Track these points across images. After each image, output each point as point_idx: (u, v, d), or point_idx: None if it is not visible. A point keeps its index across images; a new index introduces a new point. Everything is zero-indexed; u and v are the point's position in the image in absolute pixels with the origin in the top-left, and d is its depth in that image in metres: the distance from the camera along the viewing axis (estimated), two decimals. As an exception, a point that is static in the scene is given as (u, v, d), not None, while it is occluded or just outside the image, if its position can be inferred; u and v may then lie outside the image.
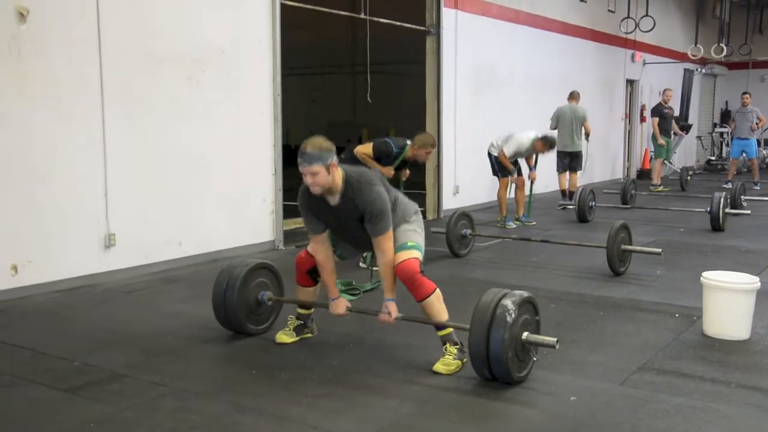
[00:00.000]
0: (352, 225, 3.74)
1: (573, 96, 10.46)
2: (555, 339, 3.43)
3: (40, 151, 5.19)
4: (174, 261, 6.11)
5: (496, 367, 3.37)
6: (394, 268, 3.68)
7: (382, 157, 6.04)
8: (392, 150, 6.07)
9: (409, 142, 6.16)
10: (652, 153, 14.21)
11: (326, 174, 3.54)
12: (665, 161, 15.63)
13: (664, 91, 12.92)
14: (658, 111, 12.85)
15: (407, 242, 3.77)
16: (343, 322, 4.50)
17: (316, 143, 3.54)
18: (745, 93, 13.92)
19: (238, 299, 4.08)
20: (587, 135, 10.40)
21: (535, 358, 3.53)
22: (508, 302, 3.38)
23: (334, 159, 3.58)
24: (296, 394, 3.38)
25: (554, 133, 9.54)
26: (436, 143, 6.34)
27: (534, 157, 8.68)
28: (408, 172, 6.43)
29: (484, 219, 8.69)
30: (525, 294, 3.52)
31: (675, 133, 13.50)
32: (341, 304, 3.91)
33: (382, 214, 3.63)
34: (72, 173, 5.39)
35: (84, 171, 5.46)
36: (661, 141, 12.74)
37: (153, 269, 5.92)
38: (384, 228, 3.65)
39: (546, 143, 8.46)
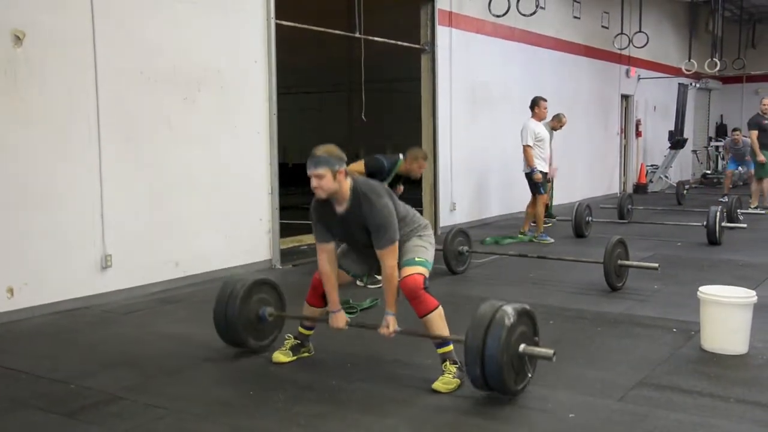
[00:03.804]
0: (358, 235, 3.75)
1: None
2: (552, 351, 3.38)
3: (35, 172, 5.20)
4: (171, 281, 6.10)
5: (490, 369, 3.28)
6: (395, 282, 3.68)
7: (375, 173, 5.97)
8: (384, 165, 6.08)
9: (401, 156, 6.18)
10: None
11: (331, 179, 3.59)
12: (662, 176, 15.67)
13: (762, 100, 11.66)
14: (757, 123, 11.44)
15: (415, 257, 3.77)
16: (340, 341, 4.49)
17: (327, 149, 3.64)
18: (735, 129, 13.34)
19: (239, 314, 4.07)
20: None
21: (530, 374, 3.49)
22: (508, 308, 3.37)
23: (343, 167, 3.62)
24: (294, 414, 3.37)
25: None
26: (428, 156, 6.34)
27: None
28: (401, 188, 6.42)
29: (481, 235, 8.70)
30: (526, 306, 3.49)
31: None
32: (341, 318, 3.90)
33: (386, 227, 3.63)
34: (68, 194, 5.40)
35: (80, 192, 5.47)
36: (762, 157, 11.28)
37: (150, 290, 5.91)
38: (388, 241, 3.64)
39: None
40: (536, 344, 3.50)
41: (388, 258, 3.67)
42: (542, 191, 8.63)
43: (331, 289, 3.88)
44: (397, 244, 3.69)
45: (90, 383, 3.79)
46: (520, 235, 8.69)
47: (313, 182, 3.61)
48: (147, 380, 3.87)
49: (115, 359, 4.24)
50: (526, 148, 8.50)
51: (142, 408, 3.46)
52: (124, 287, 5.75)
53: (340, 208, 3.71)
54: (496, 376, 3.30)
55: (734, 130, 13.43)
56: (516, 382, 3.41)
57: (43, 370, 4.02)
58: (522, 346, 3.38)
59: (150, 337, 4.73)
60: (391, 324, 3.73)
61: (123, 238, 5.73)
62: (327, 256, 3.86)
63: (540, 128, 8.61)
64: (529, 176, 8.62)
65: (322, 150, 3.63)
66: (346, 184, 3.67)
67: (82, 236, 5.49)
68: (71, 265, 5.43)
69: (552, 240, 8.55)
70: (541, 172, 8.51)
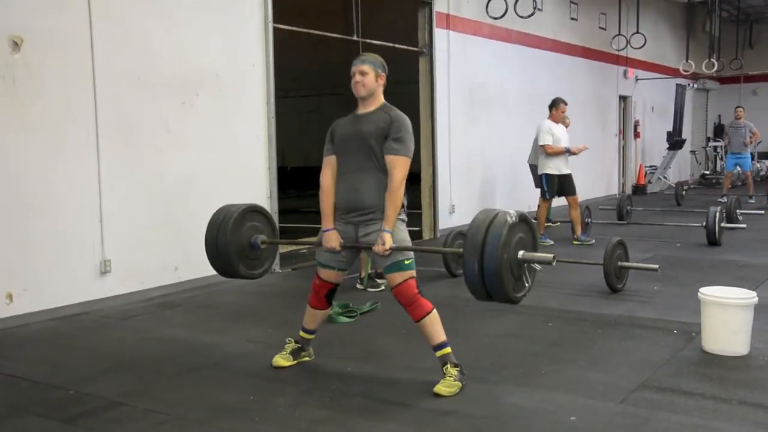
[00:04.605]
0: (361, 144, 3.75)
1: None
2: (552, 255, 3.31)
3: (34, 178, 5.19)
4: (170, 286, 6.08)
5: (489, 268, 3.16)
6: (399, 195, 3.69)
7: None
8: None
9: None
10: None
11: (374, 79, 3.78)
12: (661, 177, 15.68)
13: None
14: None
15: (404, 260, 3.74)
16: (340, 345, 4.48)
17: (375, 55, 3.88)
18: (738, 107, 13.74)
19: (230, 239, 4.02)
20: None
21: (528, 284, 3.38)
22: (510, 210, 3.34)
23: (383, 76, 3.83)
24: (294, 420, 3.35)
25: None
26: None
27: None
28: None
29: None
30: (526, 213, 3.43)
31: None
32: (334, 237, 3.84)
33: (406, 139, 3.71)
34: (66, 200, 5.38)
35: (79, 197, 5.46)
36: None
37: (149, 295, 5.89)
38: (404, 150, 3.71)
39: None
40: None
41: (398, 169, 3.69)
42: (548, 196, 8.62)
43: (327, 205, 3.88)
44: (409, 162, 3.74)
45: (89, 389, 3.78)
46: (575, 242, 8.61)
47: (356, 78, 3.78)
48: (147, 385, 3.85)
49: (115, 364, 4.22)
50: (545, 148, 8.49)
51: (142, 413, 3.45)
52: (123, 292, 5.73)
53: (364, 110, 3.83)
54: (494, 277, 3.18)
55: (738, 107, 13.67)
56: (515, 289, 3.30)
57: (42, 376, 4.00)
58: (521, 252, 3.31)
59: (149, 342, 4.71)
60: (387, 241, 3.68)
61: (122, 242, 5.71)
62: (330, 170, 3.91)
63: (556, 128, 8.59)
64: (540, 178, 8.61)
65: (370, 53, 3.90)
66: (381, 97, 3.84)
67: (81, 241, 5.48)
68: (70, 271, 5.41)
69: (552, 242, 8.54)
70: (555, 174, 8.52)
